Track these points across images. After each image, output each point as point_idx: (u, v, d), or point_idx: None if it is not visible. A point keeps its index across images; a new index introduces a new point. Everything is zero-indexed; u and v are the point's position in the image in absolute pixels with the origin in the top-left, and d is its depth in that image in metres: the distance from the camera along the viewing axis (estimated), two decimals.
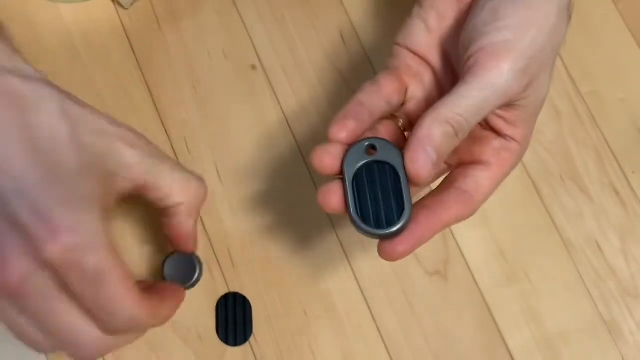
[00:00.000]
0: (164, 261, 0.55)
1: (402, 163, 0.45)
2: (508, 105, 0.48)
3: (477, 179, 0.49)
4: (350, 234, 0.61)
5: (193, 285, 0.55)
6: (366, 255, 0.61)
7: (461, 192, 0.48)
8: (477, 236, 0.63)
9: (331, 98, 0.65)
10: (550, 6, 0.47)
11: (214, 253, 0.59)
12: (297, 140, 0.64)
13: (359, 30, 0.68)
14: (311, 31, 0.67)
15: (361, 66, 0.67)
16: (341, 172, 0.46)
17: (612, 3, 0.71)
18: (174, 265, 0.55)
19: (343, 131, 0.46)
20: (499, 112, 0.48)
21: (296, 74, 0.65)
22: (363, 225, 0.45)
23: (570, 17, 0.49)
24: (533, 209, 0.64)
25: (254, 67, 0.65)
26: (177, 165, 0.48)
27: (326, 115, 0.65)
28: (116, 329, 0.44)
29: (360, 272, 0.60)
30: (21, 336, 0.44)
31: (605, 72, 0.69)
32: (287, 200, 0.62)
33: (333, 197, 0.46)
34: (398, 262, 0.60)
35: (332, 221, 0.62)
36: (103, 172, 0.44)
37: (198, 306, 0.57)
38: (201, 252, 0.59)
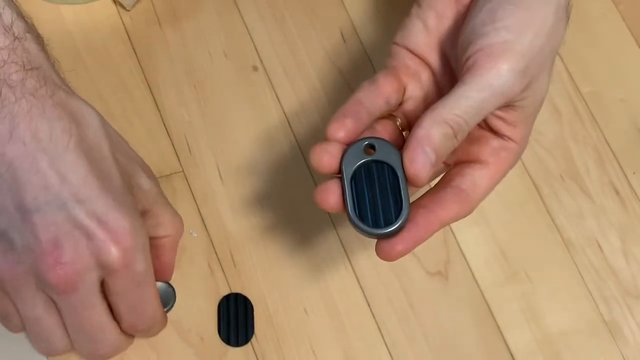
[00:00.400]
0: None
1: (401, 163, 0.45)
2: (507, 105, 0.48)
3: (475, 177, 0.49)
4: (350, 233, 0.61)
5: (167, 311, 0.57)
6: (367, 254, 0.61)
7: (458, 191, 0.48)
8: (477, 236, 0.63)
9: (332, 97, 0.65)
10: (548, 7, 0.47)
11: (216, 254, 0.59)
12: (297, 140, 0.64)
13: (359, 29, 0.68)
14: (311, 31, 0.67)
15: (362, 65, 0.67)
16: (340, 171, 0.46)
17: (612, 4, 0.71)
18: None
19: (341, 130, 0.46)
20: (498, 112, 0.48)
21: (297, 74, 0.66)
22: (361, 225, 0.45)
23: (568, 18, 0.50)
24: (533, 209, 0.64)
25: (255, 68, 0.65)
26: (168, 200, 0.51)
27: (327, 114, 0.65)
28: (137, 329, 0.47)
29: (360, 272, 0.61)
30: (40, 334, 0.46)
31: (606, 72, 0.69)
32: (288, 200, 0.62)
33: (331, 195, 0.46)
34: (398, 261, 0.60)
35: (332, 220, 0.62)
36: (131, 190, 0.46)
37: (200, 307, 0.58)
38: (203, 252, 0.59)
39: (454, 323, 0.60)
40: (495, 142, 0.49)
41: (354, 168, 0.46)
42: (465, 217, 0.49)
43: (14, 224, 0.43)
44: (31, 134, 0.43)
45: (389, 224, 0.45)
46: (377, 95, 0.49)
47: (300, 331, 0.58)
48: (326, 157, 0.46)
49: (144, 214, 0.48)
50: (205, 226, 0.60)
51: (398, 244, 0.46)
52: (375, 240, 0.46)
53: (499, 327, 0.60)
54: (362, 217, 0.45)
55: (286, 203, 0.62)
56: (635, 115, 0.68)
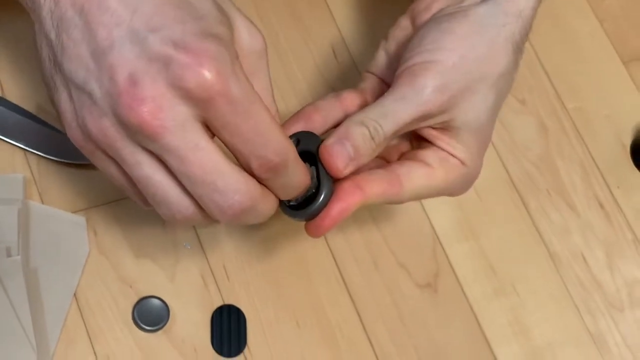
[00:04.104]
0: (135, 305, 0.57)
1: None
2: (442, 127, 0.50)
3: (412, 168, 0.50)
4: (342, 246, 0.62)
5: (162, 327, 0.57)
6: (357, 268, 0.62)
7: (390, 173, 0.49)
8: (466, 249, 0.64)
9: None
10: (480, 35, 0.49)
11: (209, 266, 0.60)
12: None
13: (350, 45, 0.69)
14: (304, 48, 0.68)
15: (352, 81, 0.67)
16: None
17: (597, 22, 0.72)
18: (144, 309, 0.57)
19: (287, 133, 0.48)
20: (434, 132, 0.50)
21: (290, 90, 0.66)
22: (288, 210, 0.49)
23: (520, 49, 0.51)
24: (521, 223, 0.65)
25: None
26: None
27: None
28: (265, 167, 0.42)
29: (351, 284, 0.61)
30: (155, 196, 0.41)
31: (591, 88, 0.70)
32: (281, 214, 0.62)
33: None
34: (388, 273, 0.62)
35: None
36: (230, 32, 0.42)
37: (193, 318, 0.58)
38: (196, 264, 0.60)
39: (444, 335, 0.61)
40: (442, 153, 0.51)
41: None
42: (390, 202, 0.50)
43: (91, 72, 0.39)
44: None
45: (308, 206, 0.47)
46: (337, 105, 0.52)
47: (292, 343, 0.59)
48: None
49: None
50: (198, 238, 0.61)
51: (322, 219, 0.48)
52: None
53: (487, 340, 0.61)
54: (288, 203, 0.48)
55: (278, 216, 0.62)
56: (619, 130, 0.69)
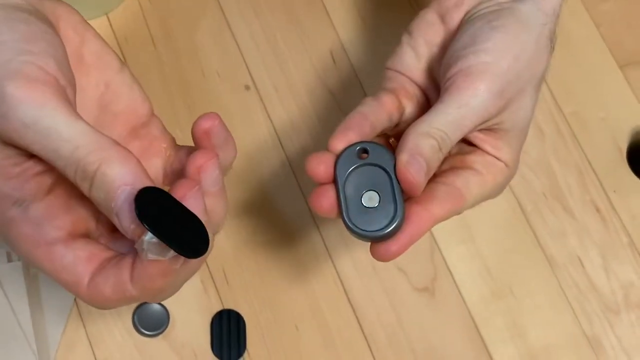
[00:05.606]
0: (135, 310, 0.58)
1: (394, 165, 0.45)
2: (489, 129, 0.49)
3: (468, 179, 0.48)
4: (340, 251, 0.63)
5: (162, 332, 0.58)
6: (356, 272, 0.62)
7: (452, 189, 0.48)
8: (463, 252, 0.64)
9: (321, 116, 0.67)
10: (528, 35, 0.48)
11: (209, 271, 0.60)
12: (288, 158, 0.65)
13: (349, 50, 0.69)
14: (303, 52, 0.68)
15: (350, 85, 0.68)
16: (334, 176, 0.45)
17: (594, 26, 0.72)
18: (144, 314, 0.58)
19: (343, 142, 0.46)
20: (479, 135, 0.49)
21: (288, 93, 0.67)
22: (355, 228, 0.44)
23: (553, 48, 0.51)
24: (517, 226, 0.66)
25: (247, 87, 0.66)
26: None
27: (316, 132, 0.66)
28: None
29: (350, 288, 0.62)
30: None
31: (587, 92, 0.70)
32: (279, 217, 0.63)
33: (324, 200, 0.45)
34: (386, 277, 0.62)
35: (323, 238, 0.63)
36: None
37: (193, 323, 0.59)
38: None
39: (441, 338, 0.62)
40: (488, 157, 0.50)
41: (347, 172, 0.45)
42: (454, 215, 0.48)
43: None
44: None
45: (383, 226, 0.44)
46: (381, 110, 0.49)
47: (292, 347, 0.59)
48: (322, 167, 0.45)
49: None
50: None
51: (393, 244, 0.45)
52: (369, 242, 0.45)
53: (484, 342, 0.62)
54: (356, 220, 0.44)
55: (277, 221, 0.63)
56: (615, 134, 0.69)
